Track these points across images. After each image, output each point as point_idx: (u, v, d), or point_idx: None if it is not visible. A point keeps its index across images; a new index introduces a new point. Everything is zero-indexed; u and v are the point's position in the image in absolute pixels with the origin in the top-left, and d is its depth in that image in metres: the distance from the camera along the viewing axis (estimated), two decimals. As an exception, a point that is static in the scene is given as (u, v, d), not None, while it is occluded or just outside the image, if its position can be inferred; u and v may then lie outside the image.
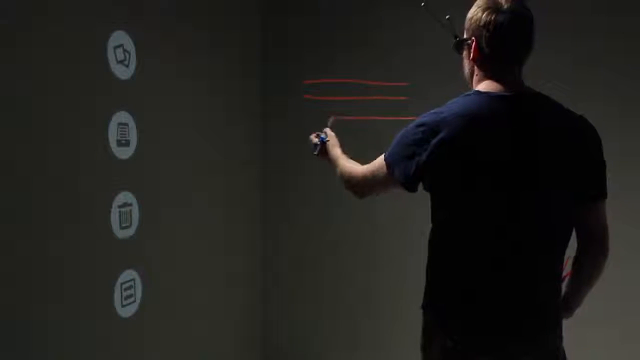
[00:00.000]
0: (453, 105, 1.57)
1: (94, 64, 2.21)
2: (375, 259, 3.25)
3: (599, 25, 2.80)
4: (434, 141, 1.53)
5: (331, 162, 2.03)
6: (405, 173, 1.60)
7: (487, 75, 1.60)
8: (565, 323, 1.68)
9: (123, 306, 2.38)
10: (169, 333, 2.68)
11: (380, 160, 1.71)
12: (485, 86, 1.59)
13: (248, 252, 3.37)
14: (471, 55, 1.61)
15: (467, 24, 1.61)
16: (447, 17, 1.68)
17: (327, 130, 2.15)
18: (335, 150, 2.04)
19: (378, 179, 1.72)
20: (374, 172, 1.73)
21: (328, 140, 2.09)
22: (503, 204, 1.54)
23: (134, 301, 2.45)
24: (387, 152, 1.68)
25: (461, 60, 1.69)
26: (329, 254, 3.34)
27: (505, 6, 1.54)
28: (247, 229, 3.36)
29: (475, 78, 1.64)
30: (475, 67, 1.63)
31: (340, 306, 3.34)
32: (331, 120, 2.20)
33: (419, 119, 1.59)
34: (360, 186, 1.82)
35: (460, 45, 1.65)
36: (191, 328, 2.85)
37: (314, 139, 2.15)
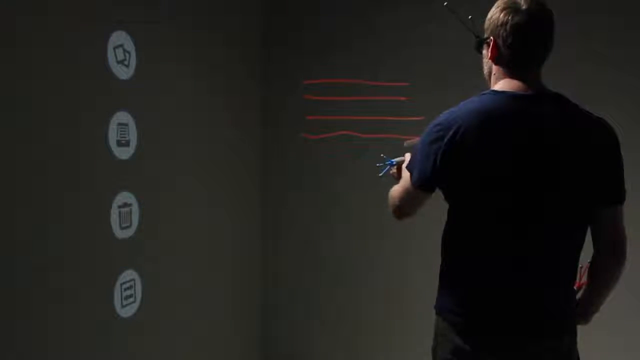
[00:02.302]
0: (468, 103, 1.58)
1: (94, 64, 2.21)
2: (377, 258, 3.25)
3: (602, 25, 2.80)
4: (447, 138, 1.52)
5: None
6: (422, 173, 1.59)
7: (505, 74, 1.60)
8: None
9: (123, 306, 2.38)
10: (169, 333, 2.68)
11: (405, 173, 1.70)
12: (502, 85, 1.59)
13: (248, 252, 3.37)
14: (489, 54, 1.61)
15: (486, 23, 1.62)
16: (469, 17, 1.69)
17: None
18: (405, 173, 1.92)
19: (406, 193, 1.70)
20: (404, 186, 1.71)
21: (395, 164, 1.97)
22: (516, 204, 1.53)
23: (134, 301, 2.45)
24: (408, 162, 1.69)
25: (481, 59, 1.70)
26: (329, 253, 3.34)
27: (524, 6, 1.54)
28: (247, 229, 3.36)
29: (493, 77, 1.65)
30: (494, 67, 1.64)
31: (341, 306, 3.34)
32: (408, 142, 2.09)
33: (435, 120, 1.59)
34: (396, 206, 1.77)
35: (480, 44, 1.66)
36: (191, 328, 2.84)
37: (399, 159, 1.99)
